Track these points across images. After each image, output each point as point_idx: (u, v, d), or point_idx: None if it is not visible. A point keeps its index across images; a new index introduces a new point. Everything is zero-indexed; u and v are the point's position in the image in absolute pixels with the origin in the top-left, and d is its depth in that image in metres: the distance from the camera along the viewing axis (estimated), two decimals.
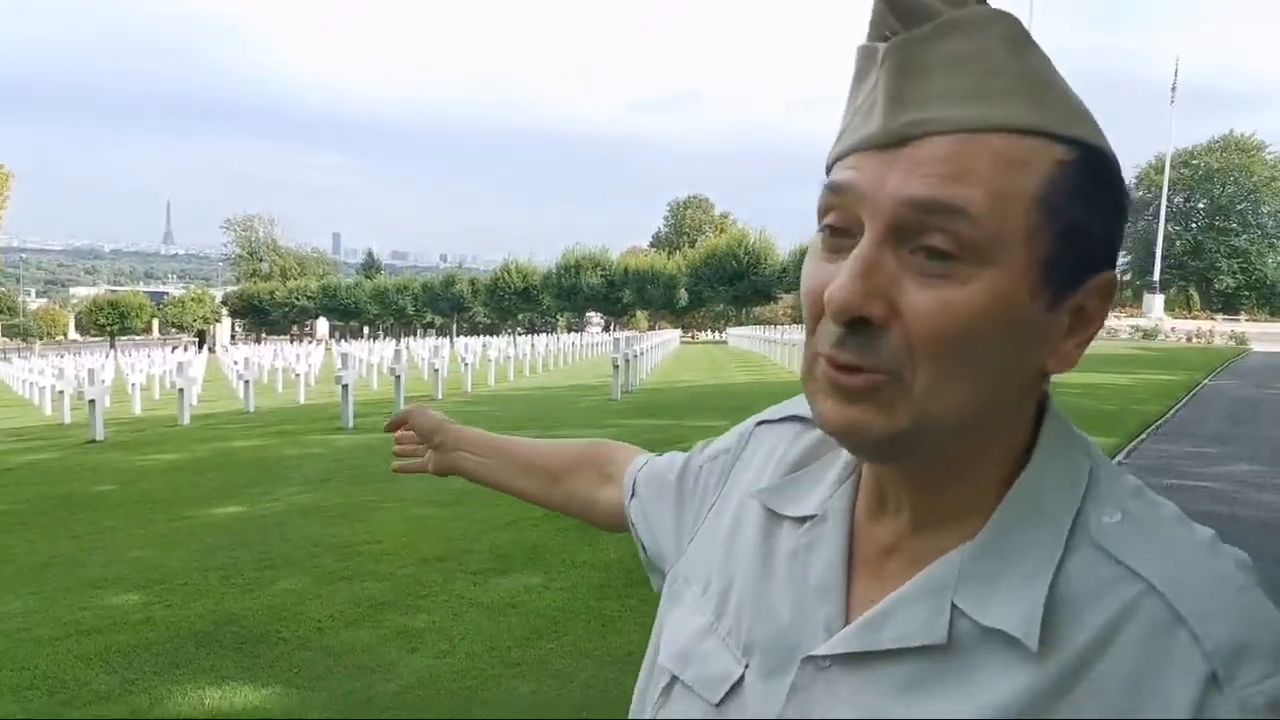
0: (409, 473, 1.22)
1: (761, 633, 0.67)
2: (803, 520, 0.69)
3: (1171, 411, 13.45)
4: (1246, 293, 66.97)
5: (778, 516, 0.71)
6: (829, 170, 0.60)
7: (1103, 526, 0.58)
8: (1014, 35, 0.56)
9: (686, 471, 0.86)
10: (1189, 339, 37.30)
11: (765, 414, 0.82)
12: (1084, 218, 0.55)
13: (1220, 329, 40.07)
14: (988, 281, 0.53)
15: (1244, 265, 66.71)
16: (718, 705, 0.67)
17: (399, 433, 1.23)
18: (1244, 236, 66.76)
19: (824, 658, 0.62)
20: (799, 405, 0.77)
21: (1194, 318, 51.57)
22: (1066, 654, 0.54)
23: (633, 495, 0.94)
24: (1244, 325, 44.66)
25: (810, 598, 0.65)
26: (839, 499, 0.68)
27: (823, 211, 0.59)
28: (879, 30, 0.57)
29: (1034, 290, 0.55)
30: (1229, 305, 63.37)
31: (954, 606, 0.58)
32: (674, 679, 0.72)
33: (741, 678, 0.67)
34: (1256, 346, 32.79)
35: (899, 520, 0.64)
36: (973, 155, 0.53)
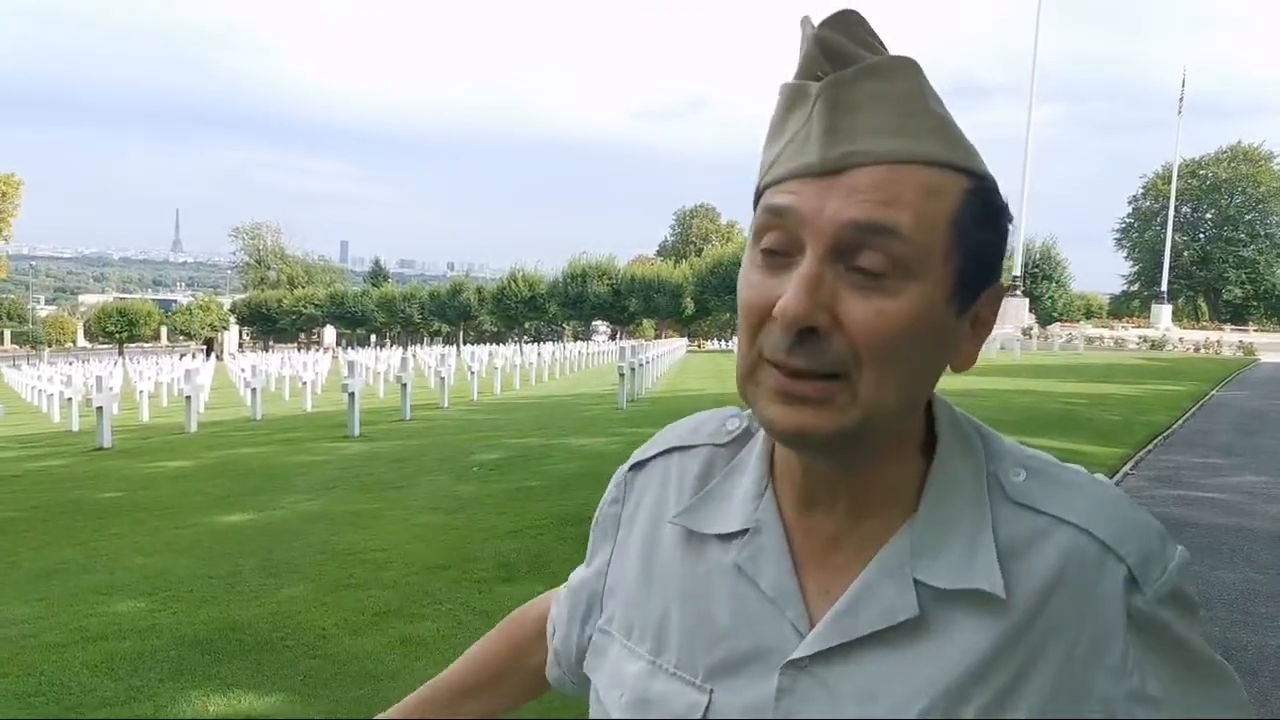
0: None
1: (721, 654, 0.69)
2: (731, 536, 0.72)
3: (1179, 422, 13.41)
4: (1255, 303, 66.72)
5: (701, 536, 0.74)
6: (759, 195, 0.66)
7: (1014, 485, 0.67)
8: (921, 79, 0.64)
9: (589, 546, 0.88)
10: (1197, 349, 37.15)
11: (635, 457, 0.84)
12: (984, 237, 0.65)
13: (1228, 339, 39.94)
14: (915, 293, 0.61)
15: (1252, 275, 66.50)
16: None
17: None
18: (1252, 247, 66.58)
19: (803, 659, 0.66)
20: (663, 438, 0.83)
21: (1202, 328, 51.39)
22: (1024, 597, 0.64)
23: (554, 632, 0.90)
24: (1252, 335, 44.50)
25: (769, 607, 0.69)
26: (765, 510, 0.72)
27: (760, 232, 0.65)
28: (810, 71, 0.64)
29: (949, 300, 0.63)
30: (1237, 315, 63.10)
31: (915, 581, 0.65)
32: None
33: (709, 703, 0.69)
34: (1265, 357, 32.67)
35: (836, 511, 0.69)
36: (900, 184, 0.61)
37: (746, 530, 0.72)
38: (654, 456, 0.82)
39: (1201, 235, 69.95)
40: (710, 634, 0.70)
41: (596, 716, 0.78)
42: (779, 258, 0.64)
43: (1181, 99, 53.66)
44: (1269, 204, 66.25)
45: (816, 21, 0.64)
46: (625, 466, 0.85)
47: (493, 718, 0.99)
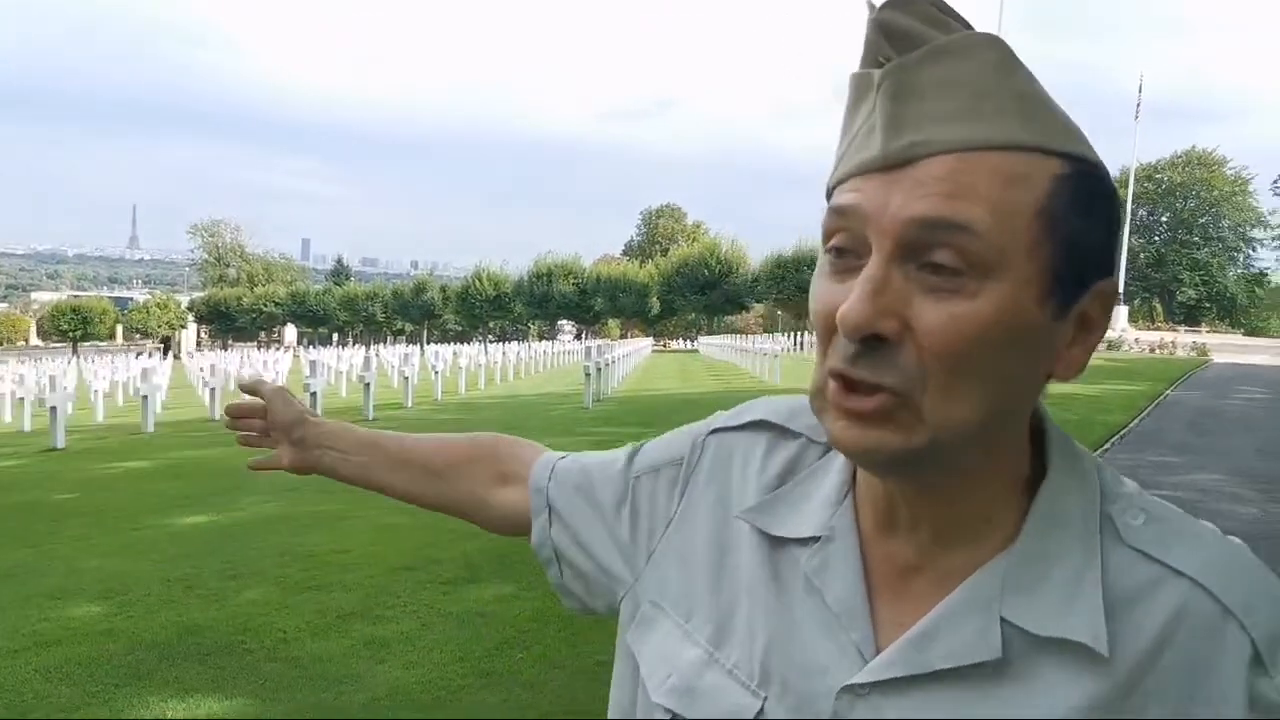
0: (266, 470, 1.08)
1: (781, 662, 0.65)
2: (805, 541, 0.67)
3: (1136, 421, 13.66)
4: (1208, 304, 68.10)
5: (775, 539, 0.69)
6: (829, 195, 0.61)
7: (1131, 528, 0.60)
8: (1002, 57, 0.57)
9: (621, 484, 0.81)
10: (1152, 350, 37.82)
11: (718, 421, 0.79)
12: (1082, 228, 0.57)
13: (1183, 340, 40.71)
14: (995, 293, 0.55)
15: (1205, 278, 67.85)
16: None
17: (243, 419, 1.07)
18: (1205, 249, 67.94)
19: (863, 685, 0.60)
20: (757, 409, 0.77)
21: (1157, 329, 52.35)
22: (1129, 655, 0.56)
23: (548, 511, 0.85)
24: (1205, 336, 45.44)
25: (833, 623, 0.63)
26: (842, 517, 0.66)
27: (828, 234, 0.60)
28: (872, 57, 0.59)
29: (1040, 299, 0.56)
30: (1191, 317, 64.36)
31: (1002, 619, 0.58)
32: (674, 718, 0.68)
33: (761, 710, 0.65)
34: (1217, 358, 33.37)
35: (918, 536, 0.63)
36: (972, 173, 0.55)
37: (819, 538, 0.67)
38: (740, 426, 0.76)
39: (1157, 238, 71.26)
40: (771, 639, 0.66)
41: (630, 684, 0.75)
42: (847, 260, 0.58)
43: (1139, 104, 54.68)
44: (1221, 208, 67.65)
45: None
46: (708, 427, 0.78)
47: (414, 498, 0.99)
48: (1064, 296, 0.57)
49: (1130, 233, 58.82)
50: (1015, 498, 0.62)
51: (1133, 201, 58.55)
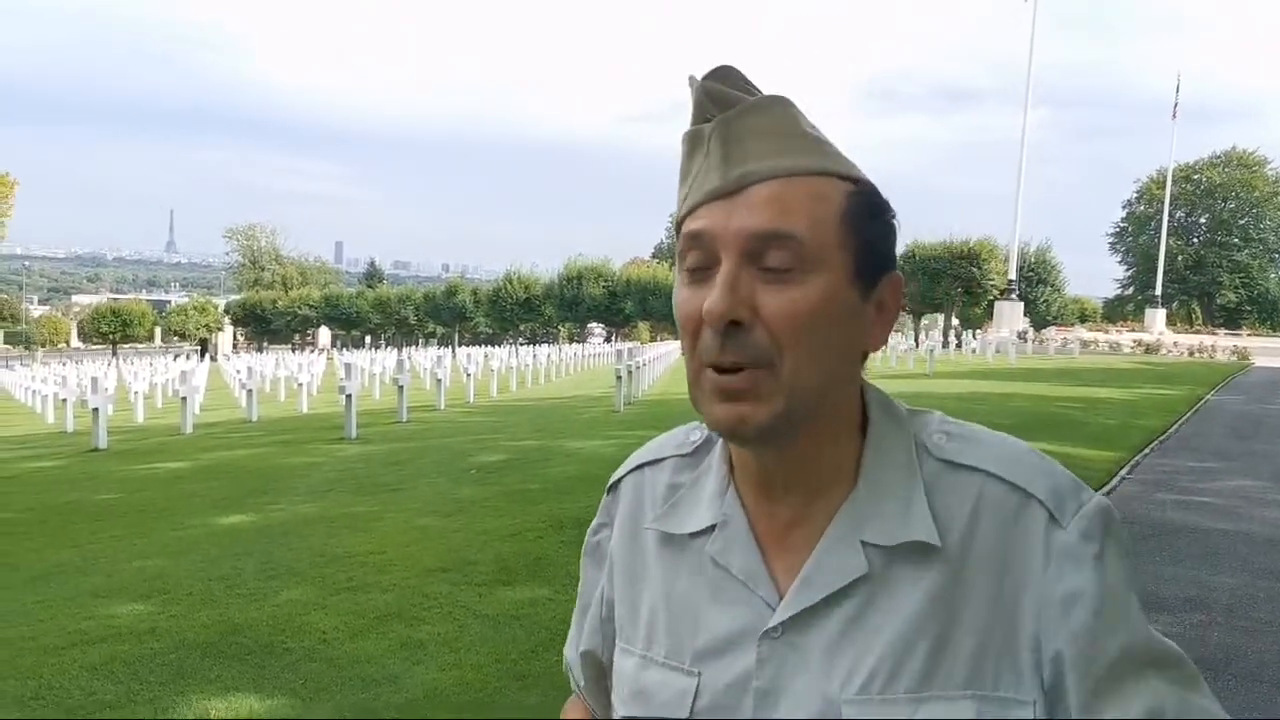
0: None
1: (706, 639, 0.79)
2: (702, 532, 0.81)
3: (1174, 426, 13.44)
4: (1248, 307, 66.82)
5: (676, 537, 0.83)
6: (679, 226, 0.77)
7: (937, 445, 0.77)
8: (794, 111, 0.75)
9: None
10: (1191, 354, 37.22)
11: (615, 476, 0.94)
12: (871, 231, 0.75)
13: (1222, 344, 40.00)
14: (819, 281, 0.72)
15: (1245, 280, 66.58)
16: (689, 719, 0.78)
17: None
18: (1246, 251, 66.66)
19: (775, 628, 0.75)
20: (638, 456, 0.93)
21: (1196, 332, 51.46)
22: (953, 541, 0.73)
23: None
24: (1246, 340, 44.54)
25: (742, 590, 0.78)
26: (730, 504, 0.81)
27: (683, 255, 0.76)
28: (701, 115, 0.75)
29: (851, 283, 0.73)
30: (1231, 320, 63.18)
31: (863, 543, 0.74)
32: None
33: (698, 685, 0.78)
34: (1259, 361, 32.75)
35: (792, 496, 0.78)
36: (791, 194, 0.72)
37: (715, 525, 0.80)
38: (625, 475, 0.92)
39: (1195, 239, 70.01)
40: (694, 623, 0.80)
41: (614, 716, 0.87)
42: (701, 273, 0.74)
43: (1176, 104, 53.84)
44: (1263, 209, 66.34)
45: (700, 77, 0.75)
46: (609, 484, 0.94)
47: None
48: (867, 284, 0.74)
49: (1168, 235, 57.70)
50: (854, 448, 0.78)
51: (1170, 203, 57.52)
